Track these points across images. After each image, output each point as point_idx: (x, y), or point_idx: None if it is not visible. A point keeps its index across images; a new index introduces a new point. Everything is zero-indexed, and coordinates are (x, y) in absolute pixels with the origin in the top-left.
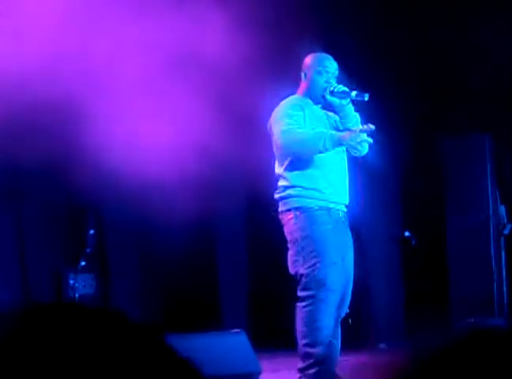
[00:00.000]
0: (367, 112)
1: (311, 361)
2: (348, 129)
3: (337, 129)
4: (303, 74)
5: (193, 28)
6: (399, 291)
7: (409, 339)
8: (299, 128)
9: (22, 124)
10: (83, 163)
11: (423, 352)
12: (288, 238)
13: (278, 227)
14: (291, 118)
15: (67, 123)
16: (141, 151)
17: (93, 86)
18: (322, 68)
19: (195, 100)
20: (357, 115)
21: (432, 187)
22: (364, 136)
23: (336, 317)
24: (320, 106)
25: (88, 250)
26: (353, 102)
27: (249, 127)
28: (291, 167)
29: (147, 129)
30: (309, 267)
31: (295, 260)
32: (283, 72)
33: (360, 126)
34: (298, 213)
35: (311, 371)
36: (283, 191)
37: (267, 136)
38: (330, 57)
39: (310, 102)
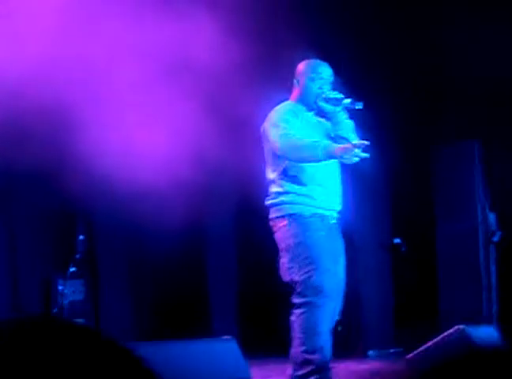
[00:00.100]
0: (359, 119)
1: (311, 368)
2: (339, 136)
3: (329, 136)
4: (295, 81)
5: (186, 34)
6: (389, 298)
7: (399, 346)
8: (295, 134)
9: (14, 129)
10: (74, 168)
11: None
12: (281, 245)
13: (269, 233)
14: (288, 124)
15: (59, 129)
16: (132, 158)
17: (86, 92)
18: (316, 74)
19: (187, 106)
20: (350, 123)
21: (422, 194)
22: (358, 151)
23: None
24: (313, 113)
25: (77, 256)
26: (347, 109)
27: (241, 133)
28: (284, 173)
29: (139, 136)
30: (304, 273)
31: (290, 268)
32: (275, 77)
33: (355, 141)
34: (291, 220)
35: (311, 378)
36: (275, 197)
37: (259, 142)
38: (325, 63)
39: (304, 108)
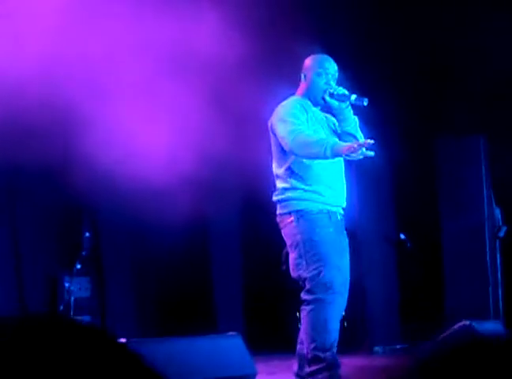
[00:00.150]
0: (363, 115)
1: (322, 365)
2: (346, 133)
3: (335, 132)
4: (302, 75)
5: (189, 29)
6: (394, 295)
7: (404, 343)
8: (304, 130)
9: (19, 126)
10: (80, 165)
11: (420, 358)
12: (289, 241)
13: (274, 228)
14: (297, 119)
15: (64, 125)
16: (136, 154)
17: (90, 88)
18: (323, 70)
19: (192, 101)
20: (356, 119)
21: (427, 189)
22: (364, 150)
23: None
24: (319, 108)
25: (83, 253)
26: (352, 105)
27: (245, 127)
28: (292, 169)
29: (143, 132)
30: (313, 270)
31: (298, 264)
32: (280, 72)
33: (361, 140)
34: (298, 216)
35: (321, 376)
36: (282, 193)
37: (265, 137)
38: (330, 58)
39: (310, 103)
